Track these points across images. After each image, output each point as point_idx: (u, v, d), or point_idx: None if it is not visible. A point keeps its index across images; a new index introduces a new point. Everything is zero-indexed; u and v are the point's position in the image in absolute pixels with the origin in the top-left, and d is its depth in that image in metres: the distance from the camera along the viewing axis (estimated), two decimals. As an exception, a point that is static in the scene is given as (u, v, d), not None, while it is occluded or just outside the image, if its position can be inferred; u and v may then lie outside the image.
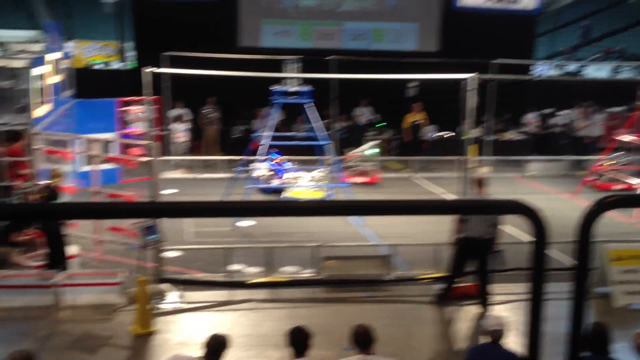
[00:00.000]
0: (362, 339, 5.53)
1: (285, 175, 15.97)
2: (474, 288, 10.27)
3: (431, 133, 20.28)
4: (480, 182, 9.94)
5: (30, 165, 10.69)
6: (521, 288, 10.40)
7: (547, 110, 21.96)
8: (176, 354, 6.51)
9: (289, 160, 17.26)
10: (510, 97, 19.54)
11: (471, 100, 10.27)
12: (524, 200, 2.07)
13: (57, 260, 9.96)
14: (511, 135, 21.12)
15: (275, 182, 15.85)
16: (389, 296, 10.28)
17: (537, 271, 2.06)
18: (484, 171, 17.91)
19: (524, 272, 10.66)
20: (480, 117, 19.72)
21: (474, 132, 18.96)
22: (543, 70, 27.27)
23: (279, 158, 16.06)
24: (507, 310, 9.50)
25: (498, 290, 10.39)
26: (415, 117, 19.92)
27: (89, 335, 8.63)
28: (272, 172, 16.04)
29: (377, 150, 17.93)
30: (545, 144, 21.02)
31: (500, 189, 14.79)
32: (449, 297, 9.80)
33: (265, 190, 15.62)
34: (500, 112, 20.59)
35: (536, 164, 19.39)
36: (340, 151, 18.48)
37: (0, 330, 8.77)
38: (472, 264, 9.75)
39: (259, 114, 19.86)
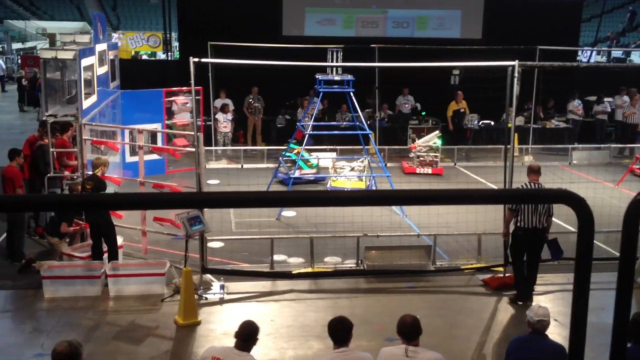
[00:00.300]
0: (408, 330, 5.51)
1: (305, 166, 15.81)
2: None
3: (474, 122, 20.07)
4: (534, 170, 9.77)
5: (79, 156, 10.88)
6: (563, 278, 10.30)
7: (591, 97, 21.54)
8: (211, 346, 6.58)
9: (332, 150, 17.28)
10: (554, 84, 19.20)
11: (514, 88, 10.13)
12: (570, 190, 2.05)
13: (106, 251, 10.12)
14: (555, 123, 20.78)
15: (295, 174, 15.76)
16: (432, 287, 10.25)
17: (583, 261, 2.03)
18: (526, 160, 17.71)
19: (567, 262, 10.55)
20: (524, 105, 19.48)
21: (518, 121, 18.82)
22: (588, 56, 26.74)
23: (298, 149, 15.96)
24: (549, 301, 9.42)
25: (539, 280, 10.29)
26: (458, 105, 19.72)
27: (134, 326, 8.78)
28: (291, 163, 15.99)
29: (439, 140, 17.74)
30: (590, 131, 20.64)
31: (544, 178, 14.55)
32: (520, 297, 9.64)
33: (284, 181, 15.65)
34: (544, 99, 20.30)
35: (580, 152, 19.07)
36: (383, 140, 18.45)
37: (48, 321, 8.97)
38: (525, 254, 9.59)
39: (302, 104, 19.91)
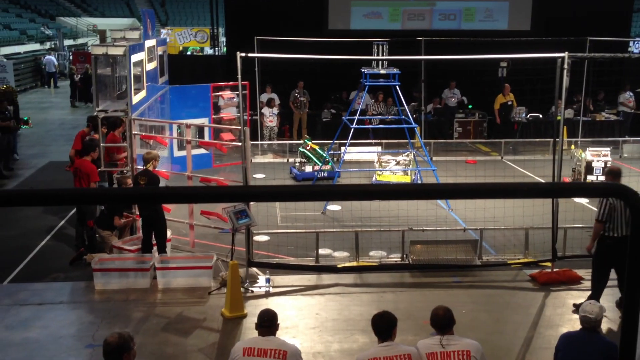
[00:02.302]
0: (440, 321, 5.53)
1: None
2: (564, 274, 10.05)
3: (522, 115, 19.79)
4: (614, 174, 9.43)
5: (128, 151, 11.05)
6: (612, 274, 10.07)
7: (643, 89, 21.05)
8: (238, 341, 6.63)
9: (377, 144, 17.24)
10: (604, 76, 18.82)
11: (564, 80, 9.95)
12: (623, 184, 2.01)
13: (155, 244, 10.28)
14: (605, 115, 20.34)
15: (308, 169, 15.74)
16: (478, 281, 10.16)
17: (635, 256, 1.99)
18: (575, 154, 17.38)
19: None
20: (574, 97, 19.12)
21: (567, 113, 18.48)
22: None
23: (311, 144, 15.90)
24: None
25: (588, 276, 10.10)
26: (505, 98, 19.43)
27: (182, 318, 8.91)
28: (305, 159, 15.93)
29: None
30: (640, 124, 20.17)
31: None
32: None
33: (297, 178, 15.62)
34: (594, 91, 19.90)
35: (632, 145, 18.64)
36: (429, 134, 18.33)
37: (99, 312, 9.16)
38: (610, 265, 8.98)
39: (348, 97, 19.89)
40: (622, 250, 8.61)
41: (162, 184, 11.04)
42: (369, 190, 2.09)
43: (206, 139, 15.10)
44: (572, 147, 17.14)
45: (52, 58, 35.18)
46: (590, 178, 15.17)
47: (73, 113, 26.74)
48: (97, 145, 11.08)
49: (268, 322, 5.67)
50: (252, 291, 9.65)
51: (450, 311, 5.62)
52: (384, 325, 5.49)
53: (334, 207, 13.41)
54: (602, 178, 14.55)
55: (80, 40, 48.36)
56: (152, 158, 10.37)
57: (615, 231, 8.70)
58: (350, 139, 14.06)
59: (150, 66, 13.65)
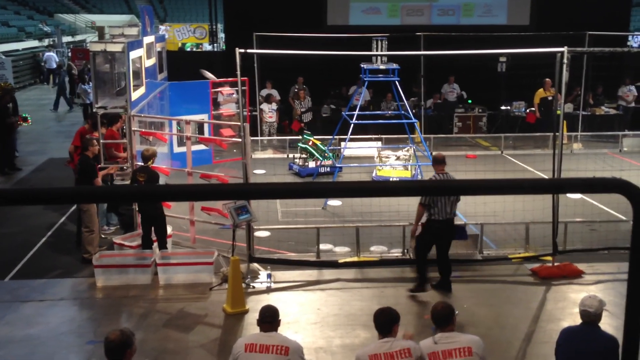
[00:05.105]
0: (439, 316, 5.55)
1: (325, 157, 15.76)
2: (564, 268, 10.07)
3: (522, 109, 19.77)
4: (438, 160, 9.57)
5: (128, 147, 11.04)
6: (614, 268, 10.12)
7: (643, 83, 21.01)
8: (240, 337, 6.64)
9: (377, 139, 17.23)
10: (604, 70, 18.79)
11: (564, 75, 9.94)
12: (623, 179, 2.01)
13: (155, 240, 10.28)
14: (605, 109, 20.32)
15: (311, 165, 15.74)
16: (479, 276, 10.18)
17: (637, 251, 1.99)
18: (575, 147, 17.41)
19: (616, 252, 10.37)
20: (573, 92, 19.08)
21: (567, 107, 18.44)
22: (639, 41, 26.08)
23: (312, 139, 15.89)
24: (600, 291, 9.27)
25: (590, 270, 10.13)
26: (546, 93, 18.77)
27: (183, 314, 8.92)
28: (307, 154, 15.93)
29: None
30: (641, 118, 20.13)
31: (594, 166, 14.35)
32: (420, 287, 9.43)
33: (300, 173, 15.62)
34: (594, 85, 19.87)
35: (631, 139, 18.63)
36: (429, 129, 18.31)
37: (100, 308, 9.17)
38: None
39: (347, 93, 19.87)
40: (446, 231, 9.32)
41: (162, 180, 11.03)
42: (371, 187, 2.10)
43: (206, 135, 15.09)
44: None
45: (52, 54, 35.06)
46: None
47: (73, 109, 26.69)
48: (97, 142, 11.07)
49: (270, 318, 5.68)
50: (254, 287, 9.66)
51: (450, 307, 5.65)
52: (384, 321, 5.51)
53: (335, 202, 13.41)
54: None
55: (78, 37, 48.29)
56: (152, 155, 10.40)
57: (440, 214, 9.17)
58: (350, 135, 14.04)
59: (149, 63, 13.63)
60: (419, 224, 9.46)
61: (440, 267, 9.53)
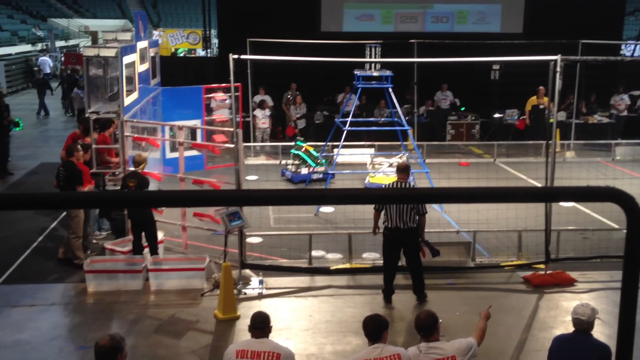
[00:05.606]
0: (422, 325, 5.54)
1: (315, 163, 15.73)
2: (557, 276, 10.08)
3: (514, 117, 19.82)
4: (401, 169, 9.59)
5: (120, 153, 11.01)
6: (606, 276, 10.13)
7: (636, 92, 21.08)
8: (232, 343, 6.62)
9: (370, 146, 17.24)
10: (597, 79, 18.86)
11: (557, 83, 9.97)
12: (617, 187, 2.01)
13: (146, 246, 10.25)
14: (598, 118, 20.39)
15: (303, 171, 15.72)
16: (471, 284, 10.17)
17: (632, 260, 1.98)
18: (568, 156, 17.46)
19: (609, 260, 10.39)
20: (566, 100, 19.14)
21: (560, 116, 18.47)
22: (632, 50, 26.22)
23: (305, 146, 15.88)
24: (592, 299, 9.28)
25: (582, 278, 10.14)
26: (538, 101, 18.82)
27: (175, 319, 8.88)
28: (299, 161, 15.91)
29: None
30: (634, 126, 20.17)
31: (587, 174, 14.38)
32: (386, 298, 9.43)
33: (293, 179, 15.61)
34: (587, 94, 19.93)
35: (624, 148, 18.69)
36: (422, 136, 18.33)
37: (91, 314, 9.12)
38: None
39: (340, 99, 19.88)
40: (400, 240, 9.27)
41: (153, 185, 11.00)
42: (363, 194, 2.09)
43: (198, 140, 15.06)
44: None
45: (47, 59, 34.92)
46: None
47: (65, 115, 26.61)
48: (89, 147, 11.04)
49: (261, 324, 5.66)
50: (245, 293, 9.63)
51: (433, 315, 5.62)
52: (373, 328, 5.50)
53: (327, 209, 13.40)
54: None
55: (72, 42, 48.22)
56: (143, 161, 10.39)
57: (390, 222, 9.18)
58: (343, 141, 14.04)
59: (143, 68, 13.61)
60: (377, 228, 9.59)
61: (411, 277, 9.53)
